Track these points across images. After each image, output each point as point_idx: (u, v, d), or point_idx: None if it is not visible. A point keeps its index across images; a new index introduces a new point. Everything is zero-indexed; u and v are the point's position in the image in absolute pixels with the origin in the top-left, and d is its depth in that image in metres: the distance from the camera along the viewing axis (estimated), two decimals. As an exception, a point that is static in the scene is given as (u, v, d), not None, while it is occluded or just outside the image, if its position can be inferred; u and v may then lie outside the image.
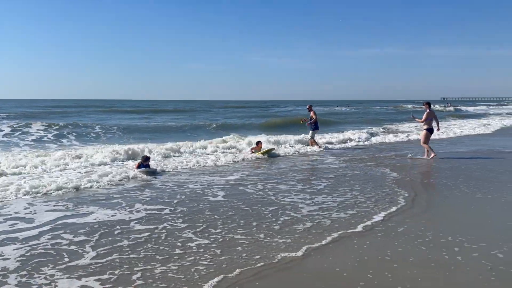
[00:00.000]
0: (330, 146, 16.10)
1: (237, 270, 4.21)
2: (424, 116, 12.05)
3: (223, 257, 4.57)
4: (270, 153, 13.10)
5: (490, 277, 4.05)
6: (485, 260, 4.41)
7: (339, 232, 5.40)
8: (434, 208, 6.74)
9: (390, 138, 19.48)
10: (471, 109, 61.11)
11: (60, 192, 7.75)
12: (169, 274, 4.16)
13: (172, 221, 5.91)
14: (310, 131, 15.38)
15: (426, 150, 12.08)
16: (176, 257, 4.60)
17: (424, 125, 12.01)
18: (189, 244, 5.01)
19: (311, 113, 15.32)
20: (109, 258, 4.59)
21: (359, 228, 5.61)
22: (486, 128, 25.53)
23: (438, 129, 12.83)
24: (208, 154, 12.99)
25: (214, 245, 4.98)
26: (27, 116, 31.35)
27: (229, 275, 4.08)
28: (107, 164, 10.97)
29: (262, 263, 4.40)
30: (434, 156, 11.84)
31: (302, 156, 13.54)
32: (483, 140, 18.31)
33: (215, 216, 6.15)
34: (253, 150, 13.28)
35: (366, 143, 17.76)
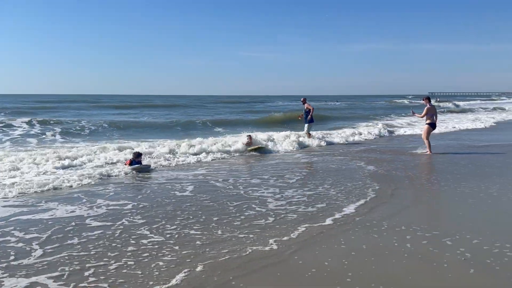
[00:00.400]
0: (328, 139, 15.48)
1: (201, 265, 4.09)
2: (424, 111, 11.84)
3: (185, 252, 4.44)
4: (260, 150, 12.46)
5: (442, 264, 4.06)
6: (433, 247, 4.47)
7: (304, 226, 5.28)
8: (397, 199, 6.66)
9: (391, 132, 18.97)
10: (464, 104, 60.88)
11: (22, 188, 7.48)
12: (124, 271, 4.00)
13: (131, 217, 5.71)
14: (306, 125, 14.90)
15: (427, 144, 11.81)
16: (129, 254, 4.42)
17: (426, 119, 11.82)
18: (143, 241, 4.82)
19: (306, 106, 14.88)
20: (57, 256, 4.39)
21: (327, 221, 5.48)
22: (483, 123, 24.83)
23: None
24: (200, 154, 11.83)
25: (171, 241, 4.80)
26: (12, 111, 30.75)
27: (197, 269, 3.98)
28: (93, 162, 10.18)
29: (228, 257, 4.30)
30: (428, 153, 11.56)
31: (291, 151, 13.06)
32: (472, 135, 18.27)
33: (178, 212, 5.96)
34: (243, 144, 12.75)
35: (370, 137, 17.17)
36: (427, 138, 11.74)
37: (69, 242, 4.79)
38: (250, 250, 4.48)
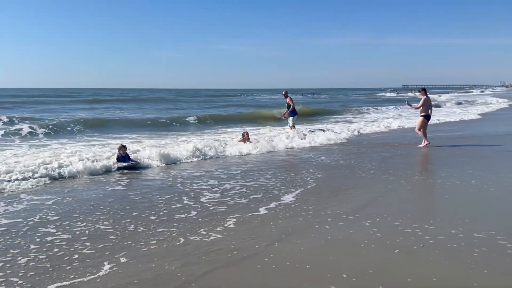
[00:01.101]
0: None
1: (123, 257, 3.92)
2: (420, 103, 11.42)
3: (101, 245, 4.22)
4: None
5: (359, 243, 4.23)
6: (348, 228, 4.66)
7: (234, 216, 5.13)
8: (333, 187, 6.62)
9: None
10: (445, 97, 60.71)
11: None
12: (32, 264, 3.81)
13: (46, 214, 5.35)
14: (290, 118, 14.22)
15: (422, 135, 11.31)
16: (34, 250, 4.14)
17: (420, 112, 11.43)
18: (48, 238, 4.49)
19: (287, 99, 14.21)
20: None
21: (261, 211, 5.37)
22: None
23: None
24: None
25: (83, 237, 4.50)
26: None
27: (121, 261, 3.83)
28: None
29: (147, 248, 4.15)
30: (427, 144, 11.11)
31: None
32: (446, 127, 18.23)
33: (99, 208, 5.60)
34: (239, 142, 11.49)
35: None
36: (420, 130, 11.27)
37: (-36, 241, 4.43)
38: (182, 240, 4.38)
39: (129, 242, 4.33)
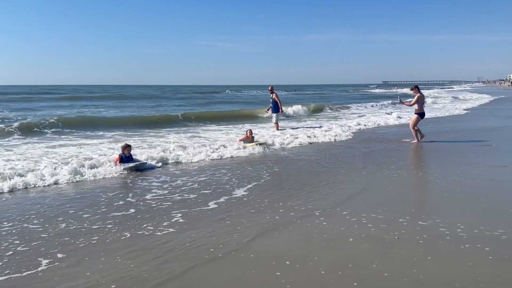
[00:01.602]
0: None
1: (61, 253, 3.83)
2: (414, 100, 11.19)
3: (34, 244, 4.08)
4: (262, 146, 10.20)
5: (310, 232, 4.31)
6: (296, 218, 4.75)
7: (178, 212, 5.00)
8: (286, 180, 6.64)
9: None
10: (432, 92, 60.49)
11: None
12: None
13: (-26, 214, 5.09)
14: (274, 115, 13.91)
15: (414, 134, 11.10)
16: None
17: (416, 110, 11.14)
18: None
19: (273, 95, 13.94)
20: None
21: (211, 205, 5.28)
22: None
23: None
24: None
25: (14, 237, 4.27)
26: None
27: (58, 256, 3.75)
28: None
29: (88, 243, 4.08)
30: (417, 142, 10.90)
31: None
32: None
33: (37, 206, 5.33)
34: (242, 140, 10.64)
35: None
36: (413, 128, 11.04)
37: None
38: (128, 234, 4.26)
39: (66, 239, 4.17)
